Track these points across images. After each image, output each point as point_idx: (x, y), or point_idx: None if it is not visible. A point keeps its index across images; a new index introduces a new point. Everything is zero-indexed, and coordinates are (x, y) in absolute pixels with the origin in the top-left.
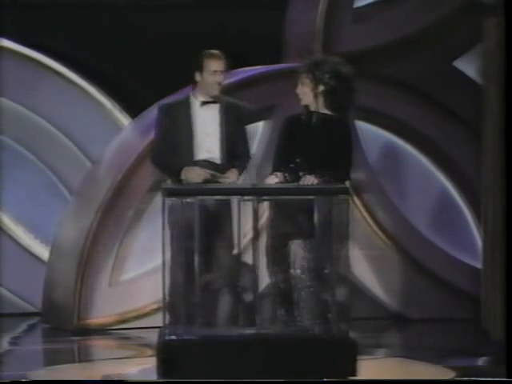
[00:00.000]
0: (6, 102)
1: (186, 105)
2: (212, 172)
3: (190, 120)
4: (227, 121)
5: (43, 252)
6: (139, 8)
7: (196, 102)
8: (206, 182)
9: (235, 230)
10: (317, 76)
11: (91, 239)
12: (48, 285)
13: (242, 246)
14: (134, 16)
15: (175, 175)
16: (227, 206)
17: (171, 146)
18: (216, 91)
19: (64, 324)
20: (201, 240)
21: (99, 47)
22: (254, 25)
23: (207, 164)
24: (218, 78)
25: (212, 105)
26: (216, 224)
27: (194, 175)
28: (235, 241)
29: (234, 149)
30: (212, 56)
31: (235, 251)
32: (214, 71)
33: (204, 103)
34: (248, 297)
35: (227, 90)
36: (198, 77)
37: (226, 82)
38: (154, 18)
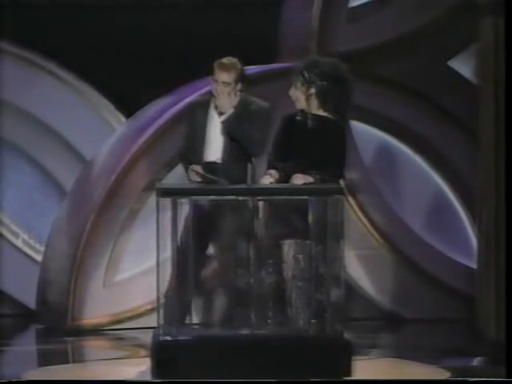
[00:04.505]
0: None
1: (206, 104)
2: (209, 176)
3: (205, 119)
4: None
5: (37, 252)
6: (136, 8)
7: (213, 104)
8: (204, 181)
9: (230, 230)
10: (307, 78)
11: (85, 239)
12: (42, 285)
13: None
14: (131, 16)
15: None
16: (223, 205)
17: (191, 145)
18: (226, 104)
19: (58, 324)
20: (195, 240)
21: (94, 47)
22: (248, 24)
23: (214, 165)
24: (227, 88)
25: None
26: (211, 224)
27: (192, 175)
28: (232, 241)
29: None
30: (220, 65)
31: (233, 251)
32: (216, 80)
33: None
34: (243, 297)
35: None
36: (213, 84)
37: (236, 90)
38: (151, 17)
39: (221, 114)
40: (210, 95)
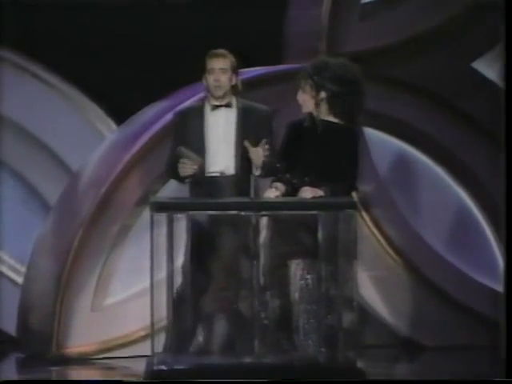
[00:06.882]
0: None
1: (199, 110)
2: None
3: (202, 126)
4: (244, 126)
5: (18, 273)
6: (129, 8)
7: (208, 107)
8: (197, 174)
9: (231, 248)
10: (317, 82)
11: (72, 258)
12: (23, 309)
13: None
14: (122, 16)
15: (183, 180)
16: (224, 221)
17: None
18: (219, 91)
19: (41, 352)
20: (193, 259)
21: (81, 48)
22: (254, 24)
23: (219, 179)
24: (217, 76)
25: (226, 109)
26: (210, 241)
27: (182, 169)
28: (233, 260)
29: None
30: (213, 55)
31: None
32: (211, 69)
33: (215, 107)
34: (245, 322)
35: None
36: (204, 80)
37: (233, 82)
38: (146, 17)
39: (214, 107)
40: (202, 101)
